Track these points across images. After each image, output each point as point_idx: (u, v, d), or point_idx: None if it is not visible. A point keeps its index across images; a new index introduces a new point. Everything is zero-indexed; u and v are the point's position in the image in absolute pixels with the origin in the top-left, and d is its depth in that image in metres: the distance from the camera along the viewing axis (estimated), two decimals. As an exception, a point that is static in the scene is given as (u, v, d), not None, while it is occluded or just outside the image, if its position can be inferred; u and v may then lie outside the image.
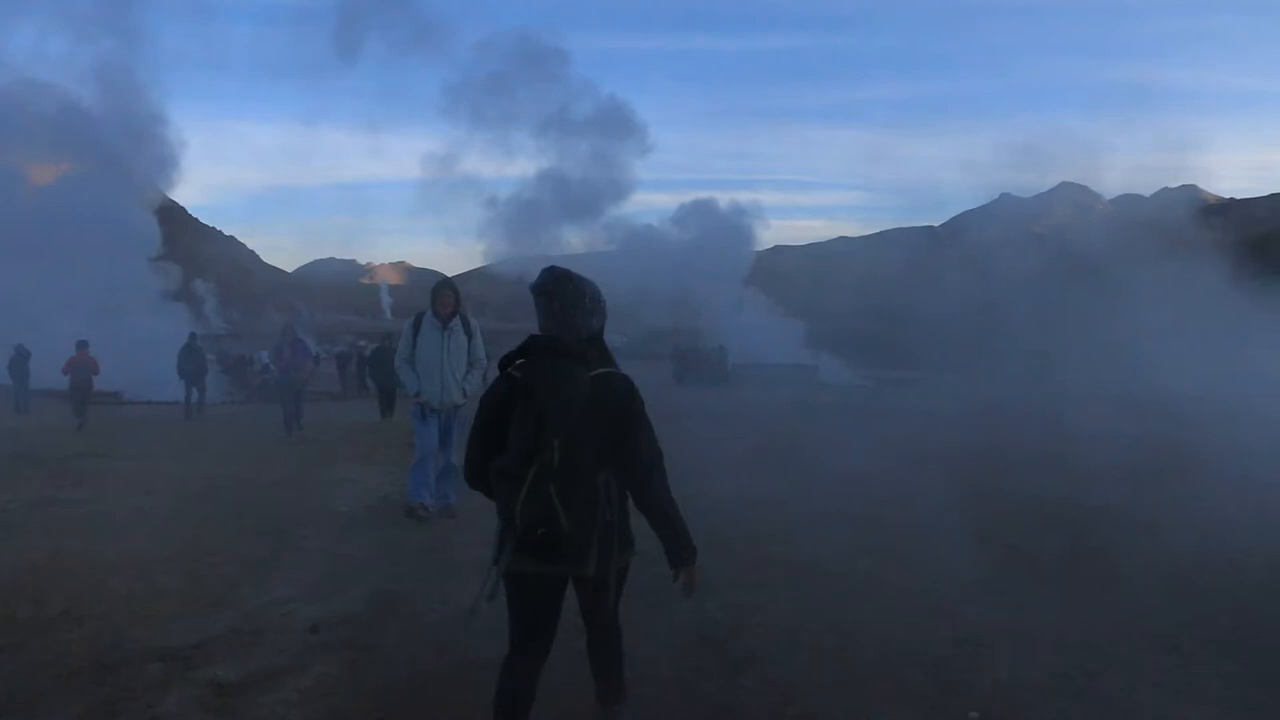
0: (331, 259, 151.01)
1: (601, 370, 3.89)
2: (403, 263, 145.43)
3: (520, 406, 3.80)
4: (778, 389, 35.44)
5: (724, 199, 68.20)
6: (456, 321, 9.50)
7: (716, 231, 61.46)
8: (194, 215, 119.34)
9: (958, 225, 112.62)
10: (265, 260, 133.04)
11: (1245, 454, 13.57)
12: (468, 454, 4.04)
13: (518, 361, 3.92)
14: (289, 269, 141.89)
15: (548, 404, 3.75)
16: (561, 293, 4.00)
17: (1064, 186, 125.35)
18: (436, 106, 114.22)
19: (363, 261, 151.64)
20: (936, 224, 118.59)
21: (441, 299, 9.48)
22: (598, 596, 4.04)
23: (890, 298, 77.63)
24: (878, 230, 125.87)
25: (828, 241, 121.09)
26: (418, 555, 8.26)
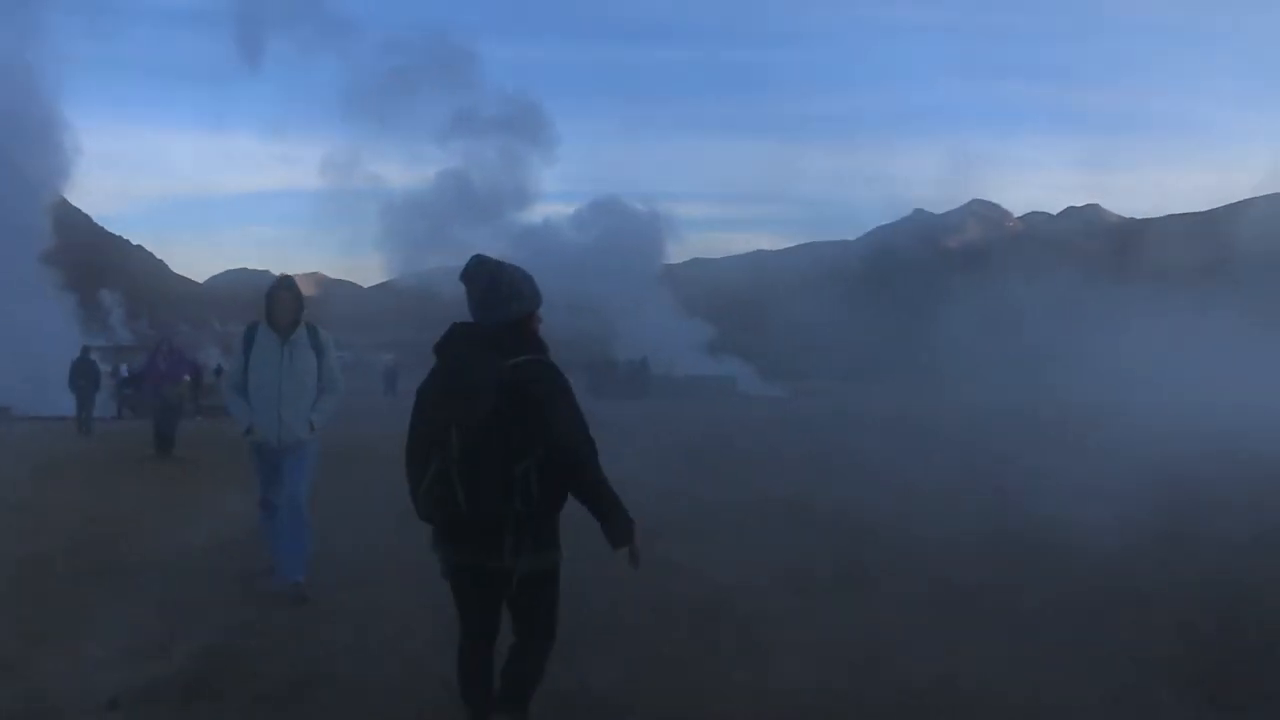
0: (244, 269, 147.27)
1: (520, 359, 3.78)
2: (317, 273, 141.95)
3: (427, 393, 3.89)
4: (699, 401, 34.48)
5: (628, 199, 67.00)
6: (301, 333, 7.08)
7: (622, 232, 60.33)
8: (100, 224, 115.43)
9: (873, 240, 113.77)
10: (175, 271, 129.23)
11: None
12: (407, 442, 3.95)
13: (437, 349, 3.97)
14: (200, 280, 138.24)
15: (449, 389, 3.80)
16: (479, 277, 3.94)
17: (974, 203, 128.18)
18: (346, 110, 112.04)
19: (276, 273, 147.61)
20: (852, 238, 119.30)
21: (279, 303, 7.00)
22: (520, 596, 3.89)
23: (807, 311, 78.10)
24: (795, 244, 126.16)
25: (745, 254, 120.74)
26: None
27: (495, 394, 3.68)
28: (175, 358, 17.76)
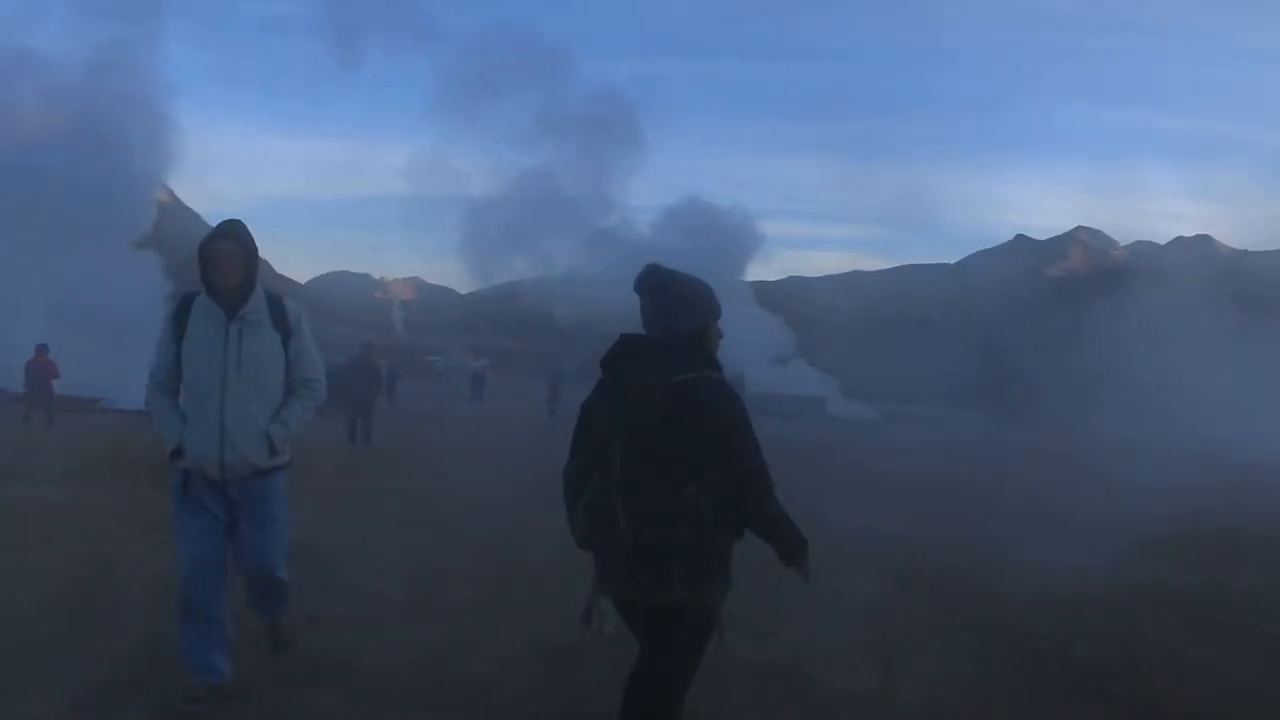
0: (345, 272, 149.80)
1: (689, 375, 3.49)
2: (416, 278, 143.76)
3: (597, 409, 3.63)
4: (793, 422, 33.38)
5: (716, 201, 65.53)
6: (257, 306, 4.80)
7: (703, 231, 59.05)
8: (209, 223, 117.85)
9: (972, 264, 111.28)
10: (279, 271, 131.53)
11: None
12: (567, 463, 3.70)
13: (605, 361, 3.72)
14: (302, 281, 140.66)
15: (613, 404, 3.56)
16: (651, 290, 3.70)
17: (1079, 230, 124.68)
18: (439, 113, 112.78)
19: (376, 276, 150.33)
20: (952, 261, 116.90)
21: (217, 261, 4.68)
22: (674, 630, 3.48)
23: (906, 334, 76.46)
24: (894, 265, 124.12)
25: (842, 274, 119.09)
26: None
27: (662, 410, 3.42)
28: None
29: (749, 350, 51.49)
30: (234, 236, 4.73)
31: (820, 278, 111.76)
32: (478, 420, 31.49)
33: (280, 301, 4.93)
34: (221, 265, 4.66)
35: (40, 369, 22.01)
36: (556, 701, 5.17)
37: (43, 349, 22.45)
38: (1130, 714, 5.44)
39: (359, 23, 75.49)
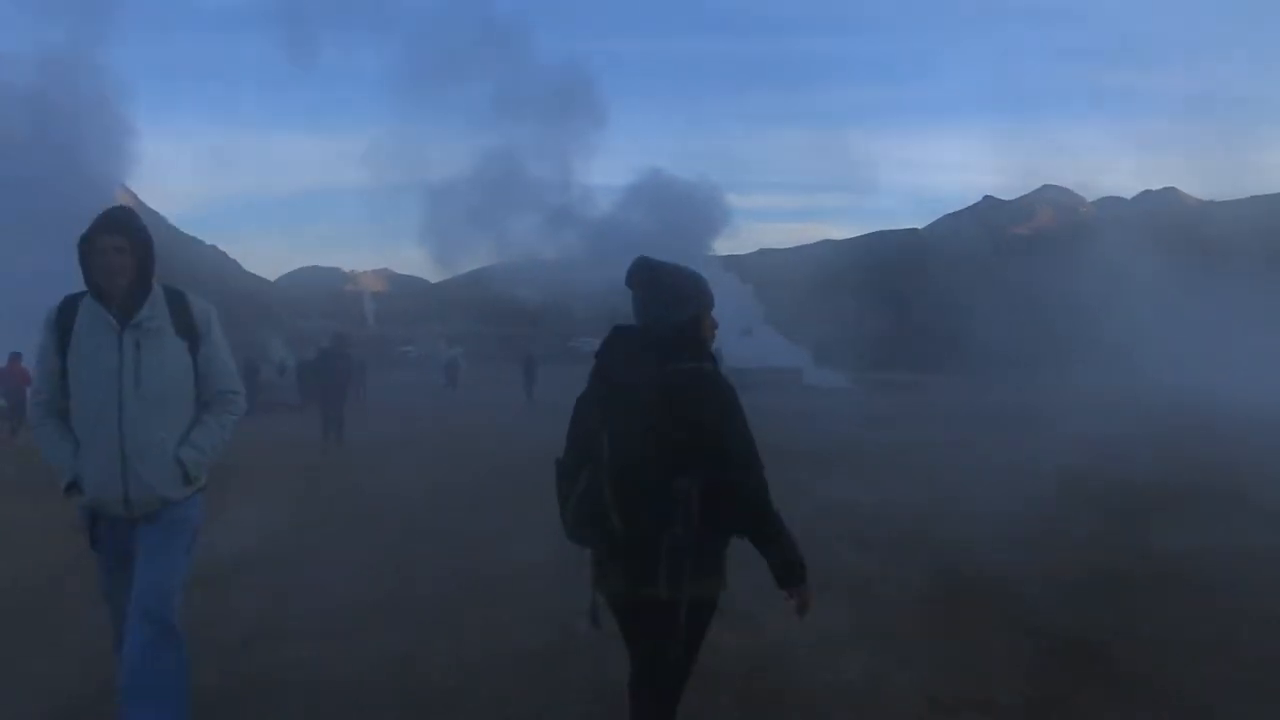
0: (314, 267, 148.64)
1: (682, 366, 3.40)
2: (386, 270, 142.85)
3: (584, 403, 3.55)
4: (773, 393, 33.14)
5: (680, 175, 64.85)
6: (155, 307, 4.02)
7: (677, 212, 58.57)
8: (175, 225, 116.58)
9: (941, 228, 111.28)
10: (247, 269, 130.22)
11: None
12: (561, 456, 3.57)
13: (597, 355, 3.62)
14: (271, 278, 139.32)
15: (605, 397, 3.47)
16: (642, 283, 3.61)
17: (1046, 189, 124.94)
18: (404, 103, 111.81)
19: (346, 269, 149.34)
20: (921, 226, 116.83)
21: (103, 259, 3.91)
22: (663, 627, 3.33)
23: (879, 301, 76.35)
24: (863, 232, 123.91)
25: (813, 244, 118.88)
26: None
27: (653, 402, 3.32)
28: None
29: (722, 323, 51.18)
30: (122, 228, 3.93)
31: (790, 249, 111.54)
32: (453, 407, 31.00)
33: (184, 300, 4.09)
34: (109, 265, 3.88)
35: (14, 377, 21.35)
36: (529, 708, 4.89)
37: (16, 357, 21.85)
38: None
39: (313, 13, 74.48)
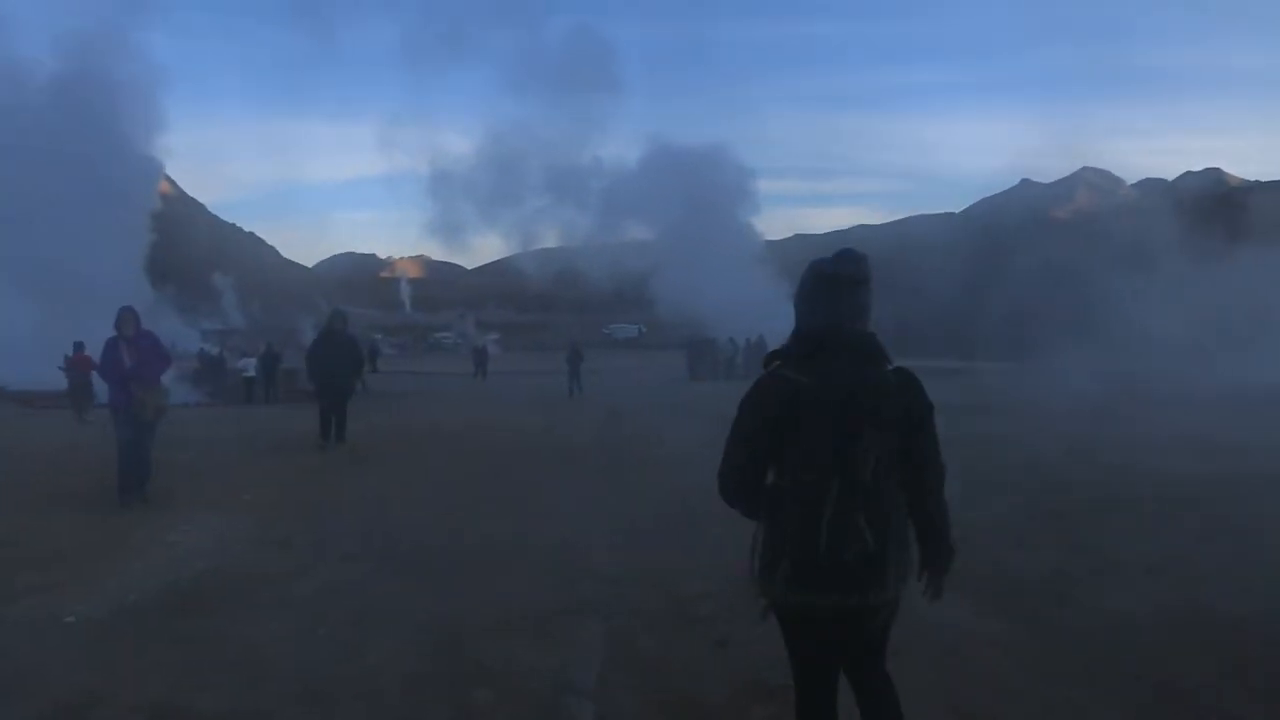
0: (351, 253, 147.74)
1: (900, 368, 3.37)
2: (422, 256, 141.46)
3: (810, 413, 3.19)
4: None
5: (700, 143, 62.55)
6: None
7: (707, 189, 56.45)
8: (214, 212, 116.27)
9: (978, 211, 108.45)
10: (285, 256, 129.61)
11: None
12: (731, 462, 3.33)
13: (794, 357, 3.34)
14: (309, 264, 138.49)
15: (862, 411, 3.20)
16: (858, 278, 3.38)
17: (1085, 171, 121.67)
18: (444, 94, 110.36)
19: (382, 255, 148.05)
20: (957, 210, 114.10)
21: None
22: (881, 629, 3.33)
23: (914, 286, 74.06)
24: (898, 217, 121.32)
25: (848, 229, 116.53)
26: None
27: (891, 407, 3.23)
28: (146, 347, 9.89)
29: (771, 310, 49.34)
30: None
31: (825, 234, 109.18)
32: (477, 400, 28.46)
33: None
34: None
35: (79, 364, 21.94)
36: None
37: (80, 346, 22.15)
38: None
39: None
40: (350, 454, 13.79)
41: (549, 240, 68.90)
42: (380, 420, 18.51)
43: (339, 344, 14.87)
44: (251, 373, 30.98)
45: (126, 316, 9.77)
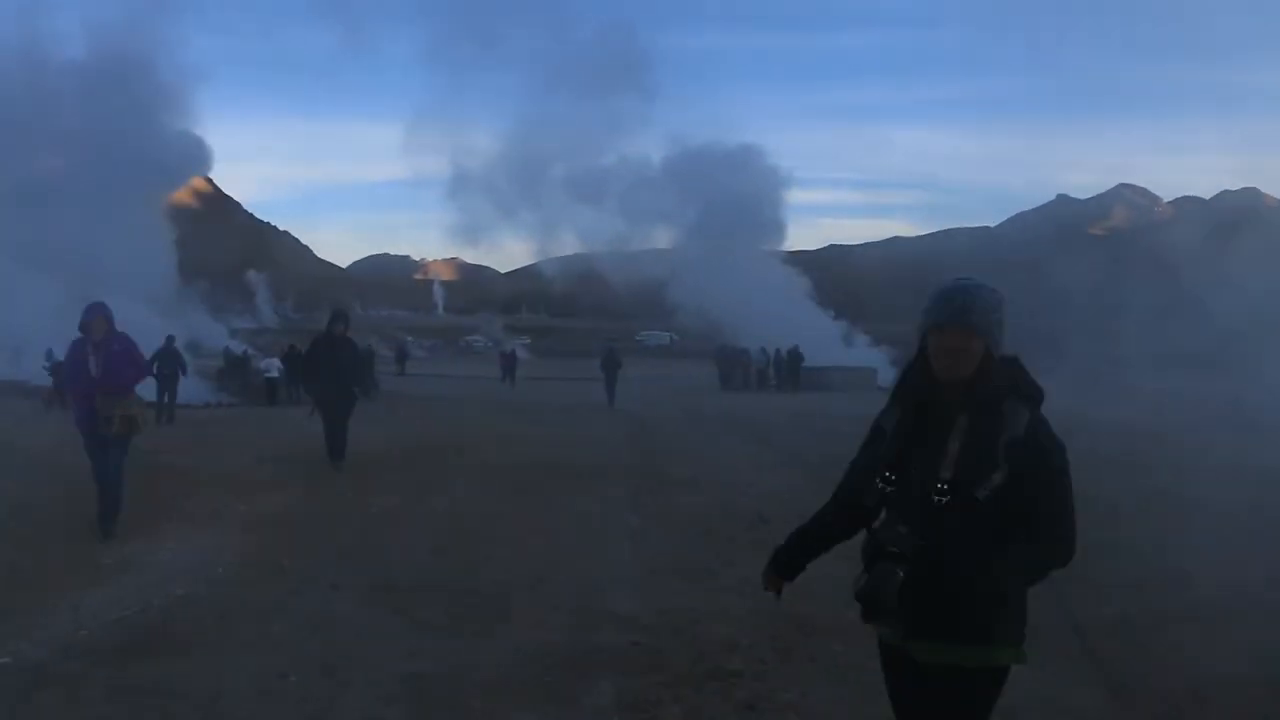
0: (385, 254, 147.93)
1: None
2: (455, 259, 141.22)
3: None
4: (849, 396, 30.07)
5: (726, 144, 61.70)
6: None
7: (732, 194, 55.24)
8: (250, 210, 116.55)
9: (1013, 225, 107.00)
10: (319, 256, 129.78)
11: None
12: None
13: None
14: (344, 265, 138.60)
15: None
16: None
17: (1121, 188, 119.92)
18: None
19: (416, 257, 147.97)
20: (993, 224, 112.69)
21: None
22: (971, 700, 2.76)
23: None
24: (934, 230, 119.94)
25: (882, 240, 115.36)
26: None
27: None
28: (117, 352, 8.37)
29: (806, 320, 48.30)
30: None
31: (860, 244, 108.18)
32: (503, 408, 26.97)
33: None
34: None
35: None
36: None
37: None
38: None
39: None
40: (359, 468, 12.71)
41: (570, 244, 68.31)
42: (398, 428, 17.68)
43: (338, 350, 13.02)
44: (274, 373, 30.33)
45: (96, 318, 8.22)
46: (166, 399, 22.48)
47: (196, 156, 44.78)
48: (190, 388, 24.92)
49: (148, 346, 23.69)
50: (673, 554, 8.03)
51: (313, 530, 8.87)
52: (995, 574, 2.63)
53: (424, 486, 11.56)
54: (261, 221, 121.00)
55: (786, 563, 3.10)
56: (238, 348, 39.16)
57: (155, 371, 22.77)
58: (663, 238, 61.72)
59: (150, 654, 5.33)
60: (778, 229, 59.96)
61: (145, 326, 32.05)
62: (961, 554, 2.62)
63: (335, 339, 13.10)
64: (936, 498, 2.68)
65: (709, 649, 5.55)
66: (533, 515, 9.81)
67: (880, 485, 2.80)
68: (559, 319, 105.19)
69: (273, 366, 31.03)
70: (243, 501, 10.05)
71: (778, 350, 40.92)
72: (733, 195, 54.87)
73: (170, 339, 24.31)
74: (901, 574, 2.64)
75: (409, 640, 5.70)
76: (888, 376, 44.37)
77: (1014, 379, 2.79)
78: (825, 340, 47.29)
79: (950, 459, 2.70)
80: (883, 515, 2.82)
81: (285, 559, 7.62)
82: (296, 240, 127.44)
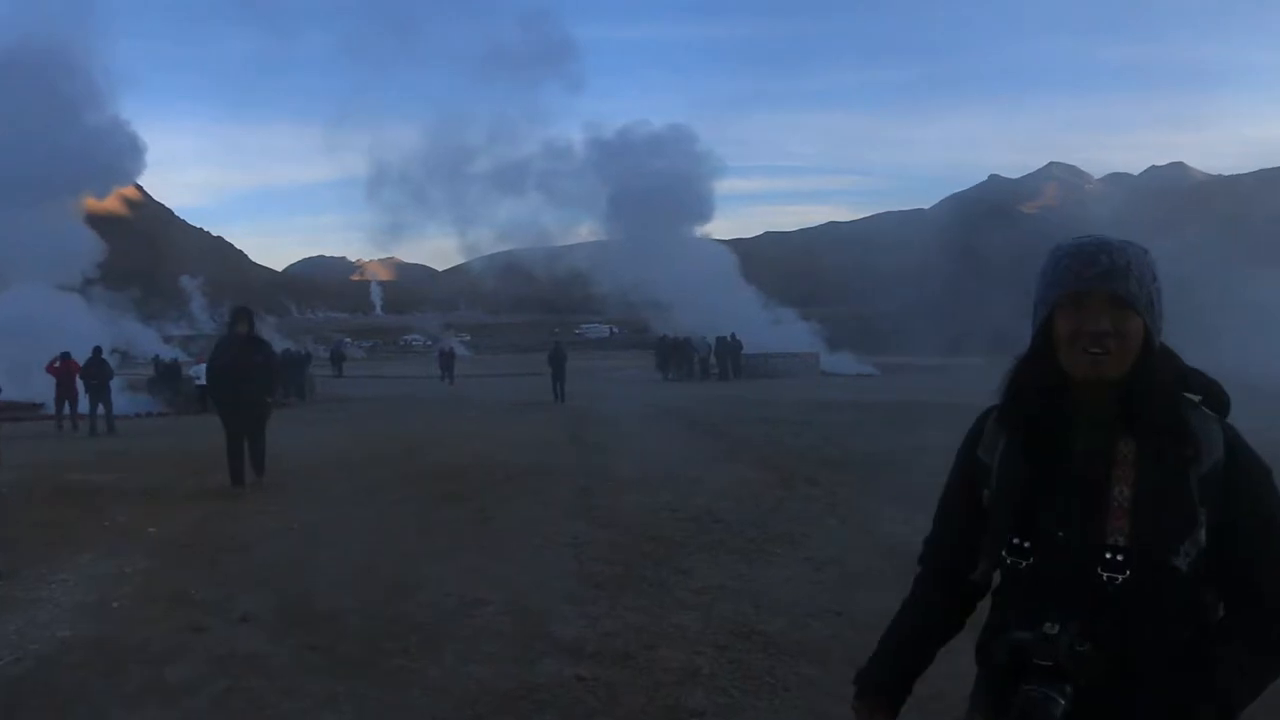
0: (322, 256, 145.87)
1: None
2: (392, 258, 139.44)
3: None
4: (794, 382, 29.63)
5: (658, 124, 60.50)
6: None
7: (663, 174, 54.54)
8: (181, 217, 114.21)
9: (946, 207, 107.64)
10: (255, 260, 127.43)
11: None
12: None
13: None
14: (279, 268, 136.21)
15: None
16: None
17: (1052, 166, 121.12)
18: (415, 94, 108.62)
19: (353, 258, 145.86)
20: (927, 206, 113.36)
21: None
22: None
23: (887, 283, 72.94)
24: (868, 214, 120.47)
25: (818, 226, 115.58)
26: None
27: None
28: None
29: (745, 308, 47.77)
30: None
31: (796, 231, 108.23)
32: (441, 407, 26.43)
33: None
34: None
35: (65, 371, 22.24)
36: None
37: (67, 356, 22.56)
38: None
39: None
40: (284, 481, 11.79)
41: (493, 240, 67.64)
42: (329, 434, 16.89)
43: (245, 351, 11.50)
44: (204, 380, 29.27)
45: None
46: (101, 409, 22.03)
47: (129, 152, 43.27)
48: (117, 399, 24.04)
49: (68, 345, 23.36)
50: (622, 564, 7.35)
51: (227, 553, 8.06)
52: (1220, 691, 1.68)
53: (354, 498, 10.78)
54: (194, 227, 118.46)
55: (887, 687, 1.99)
56: (167, 355, 37.85)
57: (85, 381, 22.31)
58: (587, 230, 61.16)
59: (15, 714, 4.58)
60: (705, 213, 59.17)
61: (60, 319, 31.07)
62: (1159, 664, 1.72)
63: (240, 340, 11.55)
64: (1106, 574, 1.72)
65: (665, 680, 4.89)
66: (471, 525, 9.09)
67: (1008, 559, 1.82)
68: (495, 315, 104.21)
69: (202, 373, 29.95)
70: (154, 522, 9.24)
71: (719, 338, 40.36)
72: (660, 178, 53.95)
73: (97, 349, 23.64)
74: (1063, 702, 1.66)
75: (325, 682, 4.98)
76: (830, 362, 44.06)
77: (1182, 377, 1.82)
78: (757, 325, 46.65)
79: (1118, 511, 1.73)
80: (1001, 590, 1.89)
81: (193, 588, 6.84)
82: (230, 245, 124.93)
